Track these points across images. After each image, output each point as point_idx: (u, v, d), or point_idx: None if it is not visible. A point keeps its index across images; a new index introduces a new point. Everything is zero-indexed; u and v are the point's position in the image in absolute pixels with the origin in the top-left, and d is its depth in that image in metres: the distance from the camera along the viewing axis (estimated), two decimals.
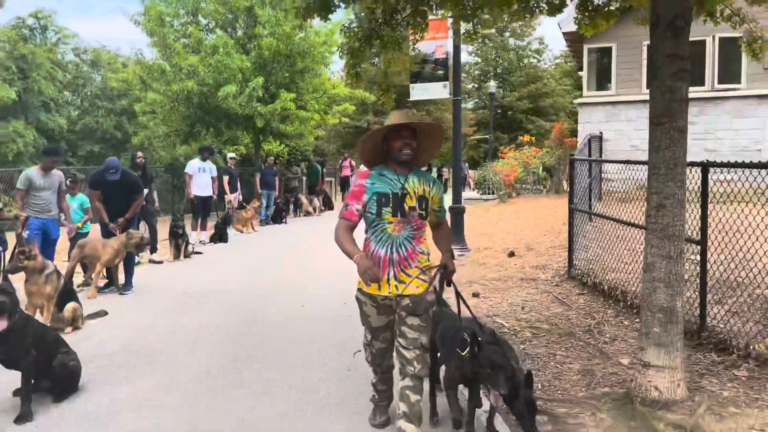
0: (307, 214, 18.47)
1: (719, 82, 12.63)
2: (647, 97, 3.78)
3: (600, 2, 5.32)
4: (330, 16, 5.35)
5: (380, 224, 3.33)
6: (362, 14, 5.74)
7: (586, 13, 5.28)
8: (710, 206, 4.83)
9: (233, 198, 14.05)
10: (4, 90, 18.89)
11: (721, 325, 4.80)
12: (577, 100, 14.39)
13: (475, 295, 7.10)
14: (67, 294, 6.01)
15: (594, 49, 13.66)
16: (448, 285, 3.55)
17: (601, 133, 13.27)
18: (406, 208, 3.32)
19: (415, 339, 3.29)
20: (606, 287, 6.47)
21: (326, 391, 4.34)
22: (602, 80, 13.68)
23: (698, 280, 4.91)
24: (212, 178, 12.13)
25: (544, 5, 5.37)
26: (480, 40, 34.14)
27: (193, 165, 12.05)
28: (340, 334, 5.63)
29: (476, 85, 39.77)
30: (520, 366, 3.44)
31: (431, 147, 3.49)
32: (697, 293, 4.94)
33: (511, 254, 9.10)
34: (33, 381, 4.09)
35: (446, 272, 3.44)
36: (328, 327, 5.94)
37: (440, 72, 9.71)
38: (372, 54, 5.81)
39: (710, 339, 4.72)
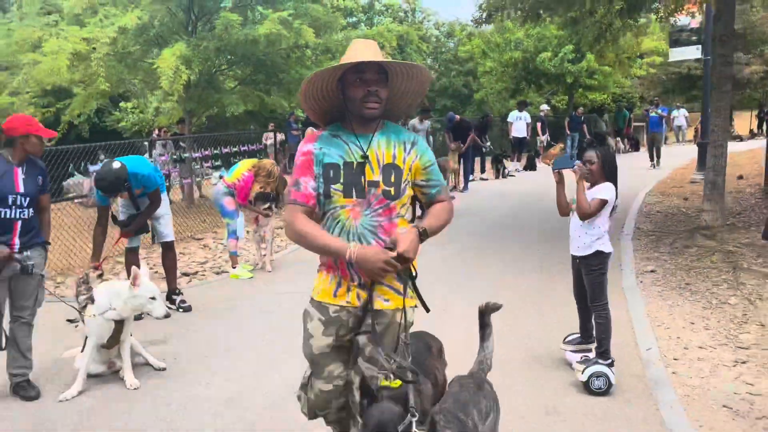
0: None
1: None
2: None
3: None
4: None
5: (331, 209, 2.31)
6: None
7: None
8: None
9: (544, 138, 18.62)
10: None
11: None
12: None
13: (685, 199, 10.58)
14: None
15: None
16: (404, 275, 2.31)
17: None
18: (364, 183, 2.27)
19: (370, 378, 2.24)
20: None
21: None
22: None
23: None
24: (526, 123, 16.93)
25: None
26: None
27: (513, 114, 17.04)
28: None
29: None
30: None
31: (411, 93, 2.41)
32: None
33: (740, 177, 11.86)
34: None
35: (397, 257, 2.18)
36: None
37: (693, 38, 12.54)
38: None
39: None
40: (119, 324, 3.92)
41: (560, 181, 3.93)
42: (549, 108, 19.70)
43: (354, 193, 2.27)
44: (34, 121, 3.85)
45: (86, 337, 4.00)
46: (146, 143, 12.51)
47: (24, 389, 3.89)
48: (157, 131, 15.90)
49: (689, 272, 6.18)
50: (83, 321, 4.04)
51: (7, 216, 3.74)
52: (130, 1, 10.27)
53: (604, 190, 3.81)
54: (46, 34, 9.10)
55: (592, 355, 3.91)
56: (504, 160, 15.78)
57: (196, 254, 8.07)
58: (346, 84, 2.27)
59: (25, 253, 3.79)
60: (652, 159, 16.27)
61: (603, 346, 3.78)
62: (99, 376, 4.12)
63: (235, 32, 9.74)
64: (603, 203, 3.81)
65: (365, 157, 2.28)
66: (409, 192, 2.37)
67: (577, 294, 4.08)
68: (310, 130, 9.08)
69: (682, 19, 12.69)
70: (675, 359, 4.19)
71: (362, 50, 2.27)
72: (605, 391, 3.65)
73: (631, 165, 15.80)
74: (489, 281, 6.24)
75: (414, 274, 2.33)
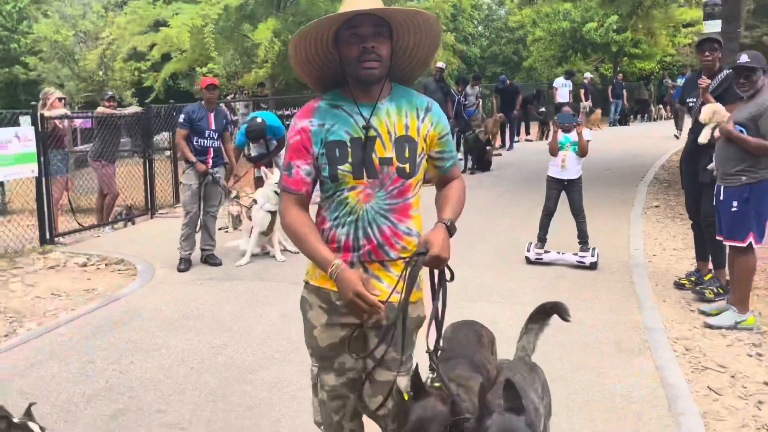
0: (651, 119, 23.13)
1: None
2: None
3: None
4: None
5: (337, 192, 1.97)
6: None
7: None
8: None
9: (586, 104, 19.96)
10: (450, 38, 28.25)
11: None
12: None
13: None
14: None
15: None
16: (437, 282, 1.99)
17: None
18: (376, 160, 1.95)
19: (386, 382, 1.99)
20: None
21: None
22: None
23: None
24: (569, 91, 18.34)
25: None
26: None
27: (559, 81, 18.49)
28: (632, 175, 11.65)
29: None
30: None
31: (422, 48, 2.02)
32: None
33: None
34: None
35: (429, 259, 1.91)
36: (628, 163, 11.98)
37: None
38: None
39: None
40: (273, 215, 5.91)
41: (557, 131, 5.71)
42: (593, 76, 20.92)
43: (365, 173, 1.94)
44: (211, 80, 5.88)
45: (251, 228, 6.04)
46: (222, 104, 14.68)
47: (212, 258, 5.96)
48: (232, 95, 18.01)
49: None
50: (249, 217, 6.09)
51: (205, 144, 5.78)
52: None
53: (587, 134, 5.61)
54: (169, 12, 11.17)
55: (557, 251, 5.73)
56: (549, 122, 17.35)
57: None
58: (340, 42, 1.91)
59: (215, 169, 5.83)
60: (677, 128, 16.38)
61: (587, 238, 5.62)
62: (256, 255, 6.16)
63: (316, 8, 11.57)
64: (588, 142, 5.63)
65: (368, 127, 1.93)
66: (423, 166, 2.05)
67: (552, 209, 5.78)
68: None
69: None
70: (654, 255, 5.96)
71: (357, 0, 1.85)
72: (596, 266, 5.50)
73: (665, 132, 17.04)
74: (525, 208, 8.03)
75: (450, 276, 1.99)
